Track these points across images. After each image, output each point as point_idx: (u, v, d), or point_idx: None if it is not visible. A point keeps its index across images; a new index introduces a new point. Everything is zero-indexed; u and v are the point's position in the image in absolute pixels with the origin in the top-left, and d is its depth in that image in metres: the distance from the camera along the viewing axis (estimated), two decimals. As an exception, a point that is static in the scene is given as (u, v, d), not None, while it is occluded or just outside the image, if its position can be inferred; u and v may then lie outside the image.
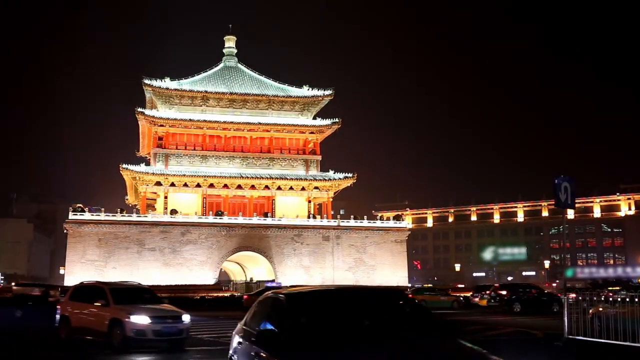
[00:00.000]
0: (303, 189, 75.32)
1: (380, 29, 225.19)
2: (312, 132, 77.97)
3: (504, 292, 43.88)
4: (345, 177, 76.19)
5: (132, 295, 19.50)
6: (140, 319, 17.51)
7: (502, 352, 7.61)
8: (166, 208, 70.91)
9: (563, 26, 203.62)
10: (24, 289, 36.65)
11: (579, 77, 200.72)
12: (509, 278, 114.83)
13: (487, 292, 47.85)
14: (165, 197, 72.26)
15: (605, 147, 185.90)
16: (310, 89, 78.55)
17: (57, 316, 20.29)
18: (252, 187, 73.58)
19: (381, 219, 77.46)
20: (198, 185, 72.39)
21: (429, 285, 68.29)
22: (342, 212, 74.94)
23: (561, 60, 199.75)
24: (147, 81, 73.02)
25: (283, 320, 7.36)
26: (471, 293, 53.18)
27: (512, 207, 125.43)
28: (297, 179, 74.94)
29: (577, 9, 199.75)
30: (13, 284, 41.48)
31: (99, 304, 18.59)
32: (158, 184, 71.81)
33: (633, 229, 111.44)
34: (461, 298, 49.33)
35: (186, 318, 18.36)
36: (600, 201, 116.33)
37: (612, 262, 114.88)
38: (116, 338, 17.59)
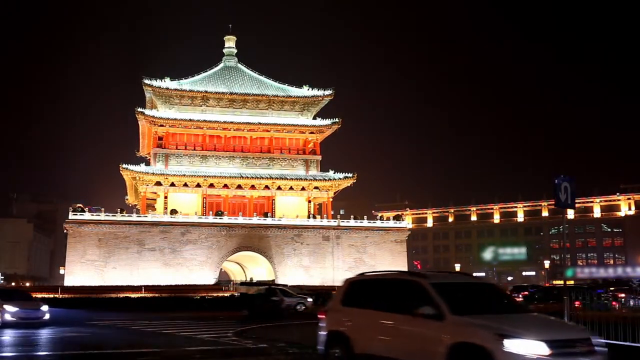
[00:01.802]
0: (303, 189, 75.31)
1: (380, 29, 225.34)
2: (312, 132, 77.96)
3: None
4: (345, 177, 76.19)
5: (475, 298, 11.18)
6: (529, 347, 9.17)
7: None
8: (166, 208, 70.90)
9: (562, 26, 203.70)
10: (249, 289, 36.55)
11: (579, 77, 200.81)
12: (509, 278, 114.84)
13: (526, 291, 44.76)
14: (165, 197, 72.25)
15: (605, 147, 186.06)
16: (310, 89, 78.55)
17: (322, 334, 12.70)
18: (252, 187, 73.57)
19: (381, 219, 77.45)
20: (198, 185, 72.38)
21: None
22: (342, 212, 74.91)
23: (561, 60, 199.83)
24: (147, 81, 73.03)
25: None
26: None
27: (512, 207, 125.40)
28: (297, 179, 74.93)
29: (577, 9, 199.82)
30: (239, 282, 41.35)
31: (420, 315, 10.39)
32: (158, 184, 71.80)
33: (633, 229, 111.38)
34: None
35: (598, 341, 10.33)
36: (600, 201, 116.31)
37: (612, 262, 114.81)
38: None
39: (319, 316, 13.18)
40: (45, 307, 27.80)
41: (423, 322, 10.32)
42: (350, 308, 12.16)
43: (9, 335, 23.06)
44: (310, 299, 39.93)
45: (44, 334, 24.04)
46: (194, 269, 67.09)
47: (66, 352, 18.55)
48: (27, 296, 30.98)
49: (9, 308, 26.52)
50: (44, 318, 27.32)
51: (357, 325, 11.81)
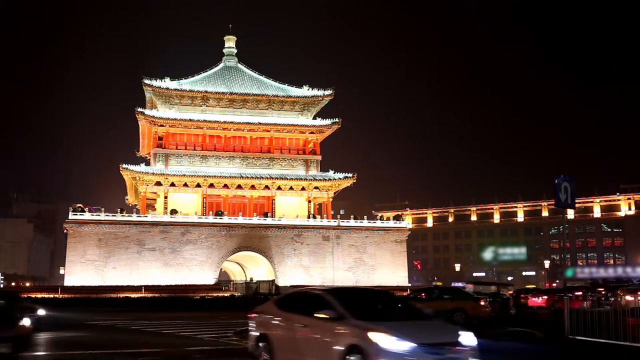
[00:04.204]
0: (303, 189, 75.29)
1: (380, 29, 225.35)
2: (312, 132, 77.95)
3: None
4: (345, 177, 76.17)
5: None
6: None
7: None
8: (166, 208, 70.88)
9: (562, 26, 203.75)
10: (479, 288, 35.85)
11: (580, 77, 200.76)
12: (509, 278, 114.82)
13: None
14: (165, 197, 72.24)
15: (605, 147, 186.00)
16: (310, 89, 78.55)
17: None
18: (252, 187, 73.56)
19: (381, 219, 77.42)
20: (198, 185, 72.37)
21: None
22: (342, 212, 75.04)
23: (560, 60, 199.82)
24: (147, 81, 73.00)
25: None
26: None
27: (512, 207, 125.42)
28: (297, 179, 74.91)
29: (576, 9, 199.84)
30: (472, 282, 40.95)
31: None
32: (158, 184, 71.79)
33: (633, 229, 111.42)
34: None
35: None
36: (600, 201, 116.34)
37: (612, 262, 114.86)
38: None
39: None
40: (470, 338, 11.34)
41: None
42: None
43: None
44: None
45: None
46: (194, 269, 67.09)
47: None
48: (410, 309, 13.07)
49: (384, 341, 10.56)
50: None
51: None
